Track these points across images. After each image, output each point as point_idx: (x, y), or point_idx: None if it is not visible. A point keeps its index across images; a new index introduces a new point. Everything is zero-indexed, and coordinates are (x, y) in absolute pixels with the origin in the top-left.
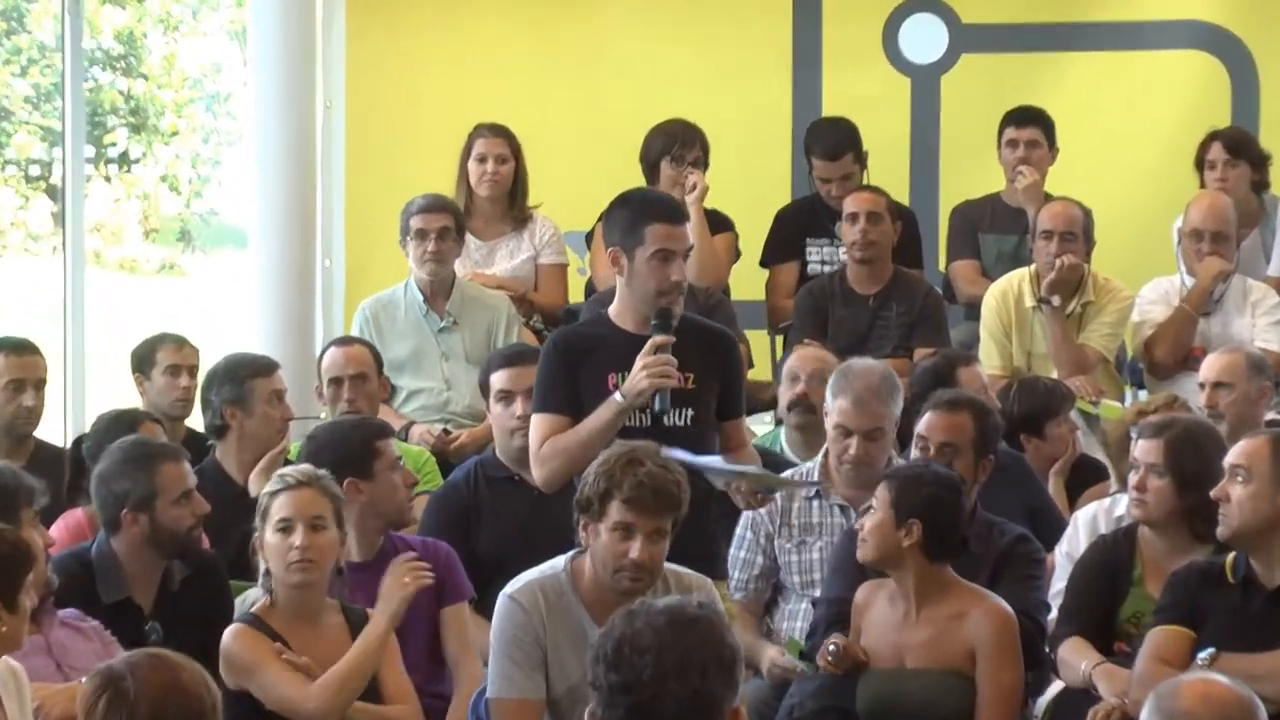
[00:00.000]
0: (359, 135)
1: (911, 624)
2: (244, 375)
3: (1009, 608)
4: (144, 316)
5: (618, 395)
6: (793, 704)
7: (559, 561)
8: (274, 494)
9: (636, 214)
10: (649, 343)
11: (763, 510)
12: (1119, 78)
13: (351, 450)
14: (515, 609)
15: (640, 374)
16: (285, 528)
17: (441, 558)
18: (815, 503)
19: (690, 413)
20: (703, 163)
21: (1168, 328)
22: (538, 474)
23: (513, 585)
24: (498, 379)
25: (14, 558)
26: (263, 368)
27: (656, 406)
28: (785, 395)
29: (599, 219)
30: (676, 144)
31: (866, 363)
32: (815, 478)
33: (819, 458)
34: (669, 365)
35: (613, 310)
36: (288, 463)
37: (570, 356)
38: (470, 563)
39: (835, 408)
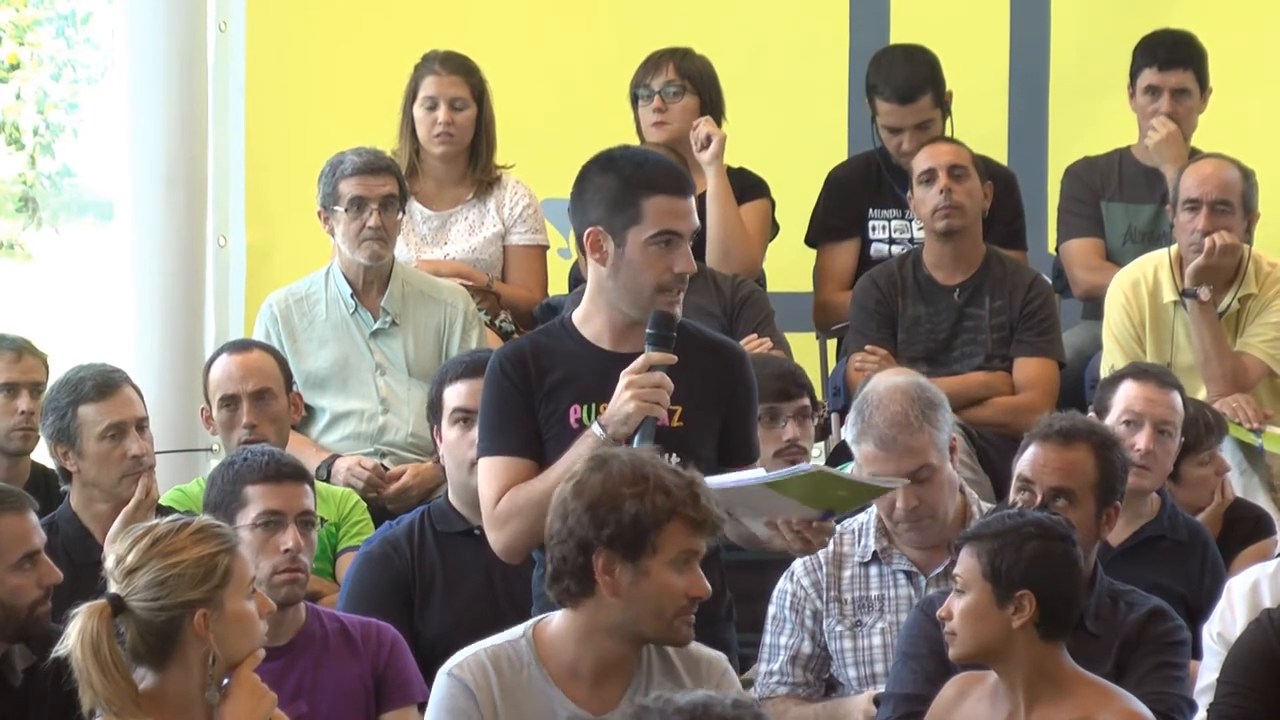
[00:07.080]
0: (264, 68)
1: None
2: (66, 401)
3: (1144, 709)
4: None
5: (596, 427)
6: None
7: (517, 629)
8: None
9: (629, 181)
10: (641, 358)
11: (804, 579)
12: None
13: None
14: (457, 690)
15: (625, 397)
16: None
17: (385, 645)
18: (872, 570)
19: (674, 459)
20: (707, 99)
21: None
22: (494, 539)
23: (455, 659)
24: (454, 394)
25: None
26: (93, 389)
27: (635, 442)
28: None
29: None
30: (646, 75)
31: (886, 384)
32: (870, 536)
33: (870, 512)
34: (662, 389)
35: (578, 315)
36: (165, 511)
37: (524, 379)
38: (414, 651)
39: (860, 455)
